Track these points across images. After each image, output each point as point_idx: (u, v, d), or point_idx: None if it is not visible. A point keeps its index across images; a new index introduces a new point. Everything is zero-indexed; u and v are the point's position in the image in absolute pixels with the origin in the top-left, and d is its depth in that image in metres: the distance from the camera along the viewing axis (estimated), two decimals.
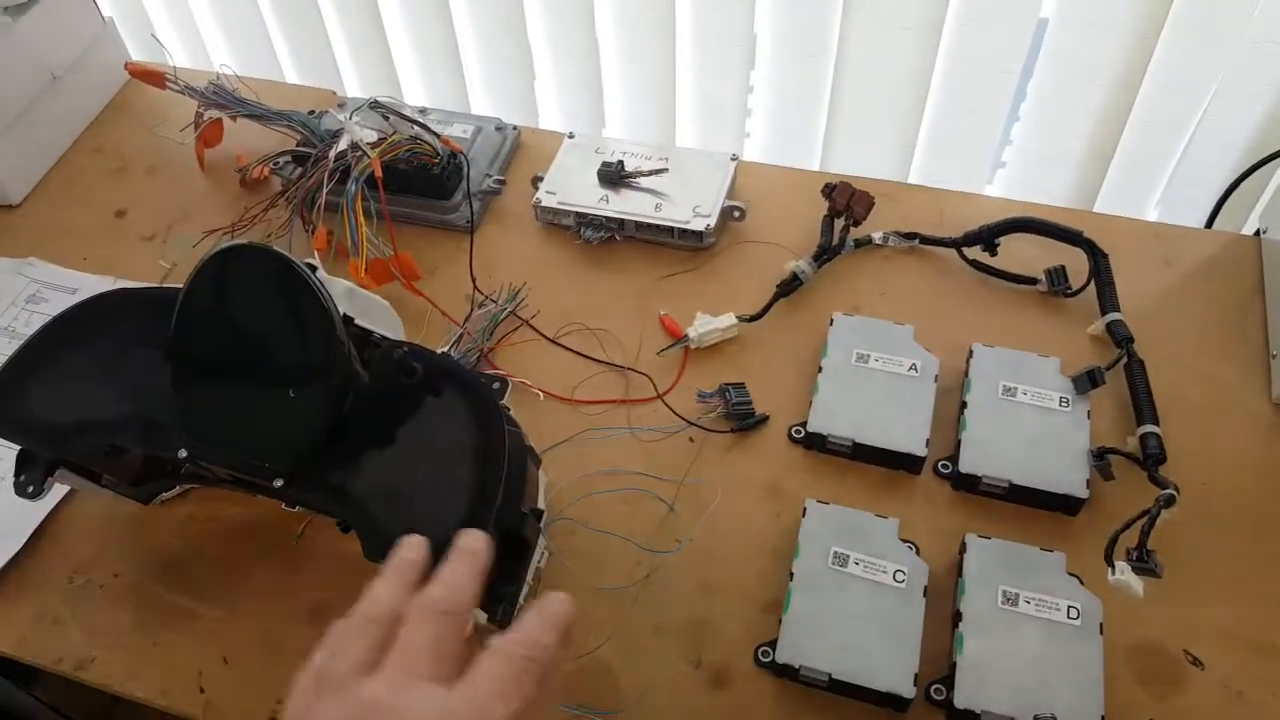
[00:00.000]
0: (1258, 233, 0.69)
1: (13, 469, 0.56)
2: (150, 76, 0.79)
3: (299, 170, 0.75)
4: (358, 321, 0.53)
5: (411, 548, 0.40)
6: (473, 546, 0.39)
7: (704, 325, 0.65)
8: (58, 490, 0.62)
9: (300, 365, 0.51)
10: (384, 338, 0.55)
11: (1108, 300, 0.63)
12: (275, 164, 0.78)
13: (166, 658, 0.55)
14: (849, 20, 0.85)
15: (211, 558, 0.60)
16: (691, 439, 0.61)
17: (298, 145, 0.75)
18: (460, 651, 0.36)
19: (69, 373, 0.55)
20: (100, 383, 0.55)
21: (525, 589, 0.50)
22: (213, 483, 0.60)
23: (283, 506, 0.58)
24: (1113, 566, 0.46)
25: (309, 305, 0.50)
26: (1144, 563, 0.46)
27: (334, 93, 0.88)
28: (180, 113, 0.83)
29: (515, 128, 0.80)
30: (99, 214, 0.81)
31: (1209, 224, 0.75)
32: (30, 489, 0.56)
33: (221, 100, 0.77)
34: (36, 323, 0.75)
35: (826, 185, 0.70)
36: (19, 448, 0.56)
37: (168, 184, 0.83)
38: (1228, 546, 0.54)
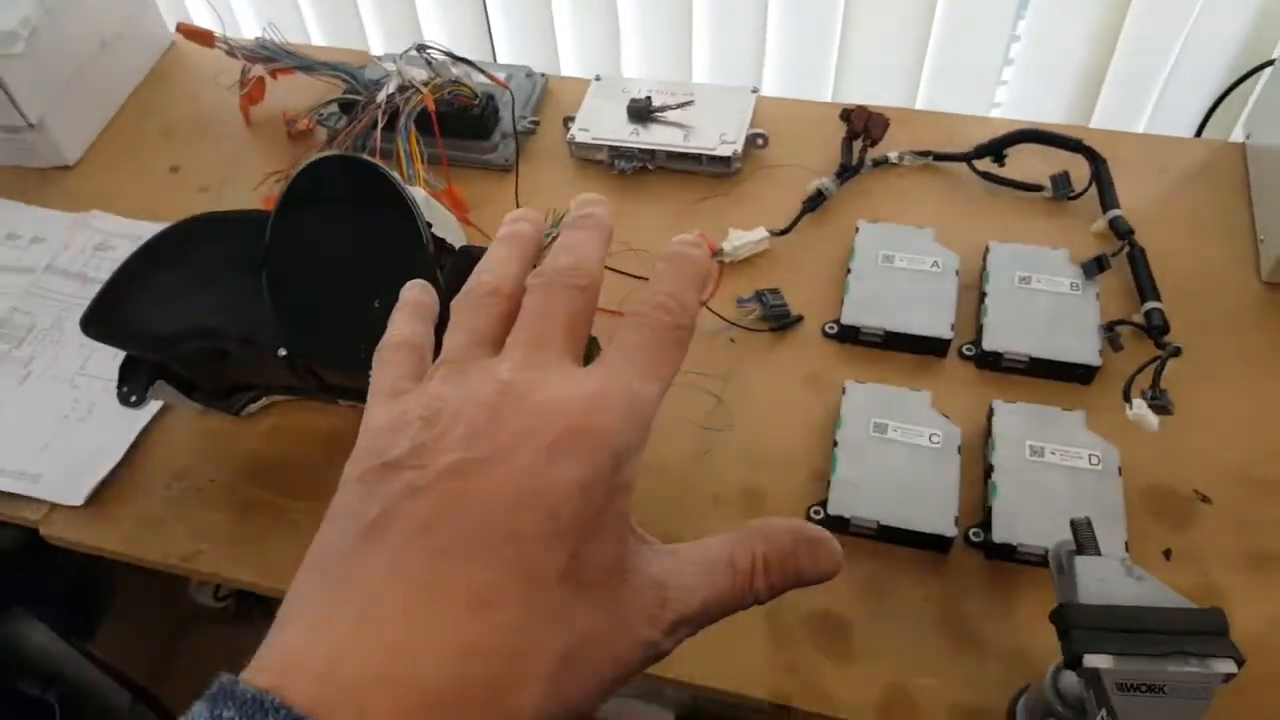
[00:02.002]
0: (1245, 141, 0.75)
1: (113, 382, 0.61)
2: (200, 36, 0.84)
3: (344, 119, 0.80)
4: (434, 229, 0.58)
5: (522, 218, 0.34)
6: (595, 213, 0.33)
7: (737, 239, 0.70)
8: (151, 407, 0.67)
9: (389, 269, 0.56)
10: (456, 244, 0.60)
11: (1108, 199, 0.69)
12: (320, 115, 0.83)
13: (265, 547, 0.60)
14: None
15: (298, 461, 0.64)
16: (733, 340, 0.67)
17: (344, 94, 0.80)
18: (589, 332, 0.30)
19: (167, 287, 0.60)
20: (198, 294, 0.60)
21: None
22: (299, 392, 0.65)
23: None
24: (1130, 403, 0.52)
25: (398, 211, 0.55)
26: (1157, 400, 0.51)
27: (366, 53, 0.93)
28: (219, 76, 0.88)
29: (543, 75, 0.85)
30: (153, 170, 0.85)
31: (1198, 134, 0.81)
32: (133, 398, 0.61)
33: (270, 54, 0.82)
34: (108, 267, 0.79)
35: (844, 110, 0.76)
36: (122, 362, 0.61)
37: (215, 141, 0.87)
38: (1226, 401, 0.60)
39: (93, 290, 0.64)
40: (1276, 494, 0.56)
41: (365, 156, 0.54)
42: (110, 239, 0.81)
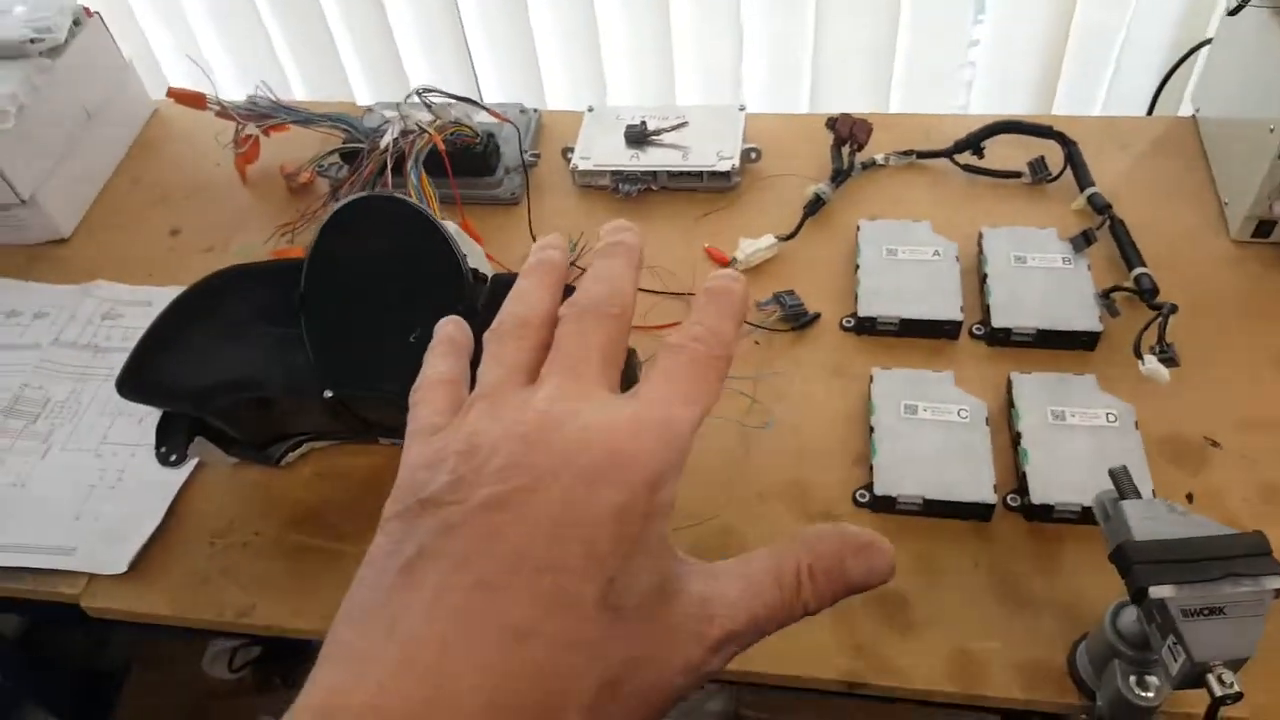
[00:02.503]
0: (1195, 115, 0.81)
1: (140, 447, 0.60)
2: (191, 99, 0.85)
3: (347, 168, 0.82)
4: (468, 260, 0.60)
5: (550, 246, 0.34)
6: (625, 240, 0.33)
7: (748, 247, 0.74)
8: (185, 469, 0.67)
9: (429, 303, 0.58)
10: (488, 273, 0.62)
11: (1084, 178, 0.74)
12: (320, 166, 0.85)
13: (322, 594, 0.61)
14: None
15: (343, 504, 0.65)
16: (757, 342, 0.70)
17: (345, 143, 0.82)
18: (624, 359, 0.31)
19: (200, 343, 0.60)
20: (232, 347, 0.60)
21: None
22: (339, 435, 0.67)
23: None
24: (1142, 359, 0.56)
25: (432, 245, 0.57)
26: (1165, 353, 0.56)
27: (354, 103, 0.95)
28: (208, 137, 0.89)
29: (536, 110, 0.88)
30: (152, 236, 0.86)
31: (1149, 111, 0.87)
32: (173, 457, 0.61)
33: (265, 111, 0.83)
34: (118, 337, 0.80)
35: (830, 118, 0.80)
36: (159, 421, 0.62)
37: (213, 203, 0.88)
38: (1218, 352, 0.64)
39: (106, 360, 0.65)
40: (1274, 430, 0.61)
41: (398, 194, 0.56)
42: (118, 306, 0.81)
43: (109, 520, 0.66)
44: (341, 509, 0.65)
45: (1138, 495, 0.47)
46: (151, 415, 0.62)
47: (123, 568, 0.63)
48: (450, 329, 0.35)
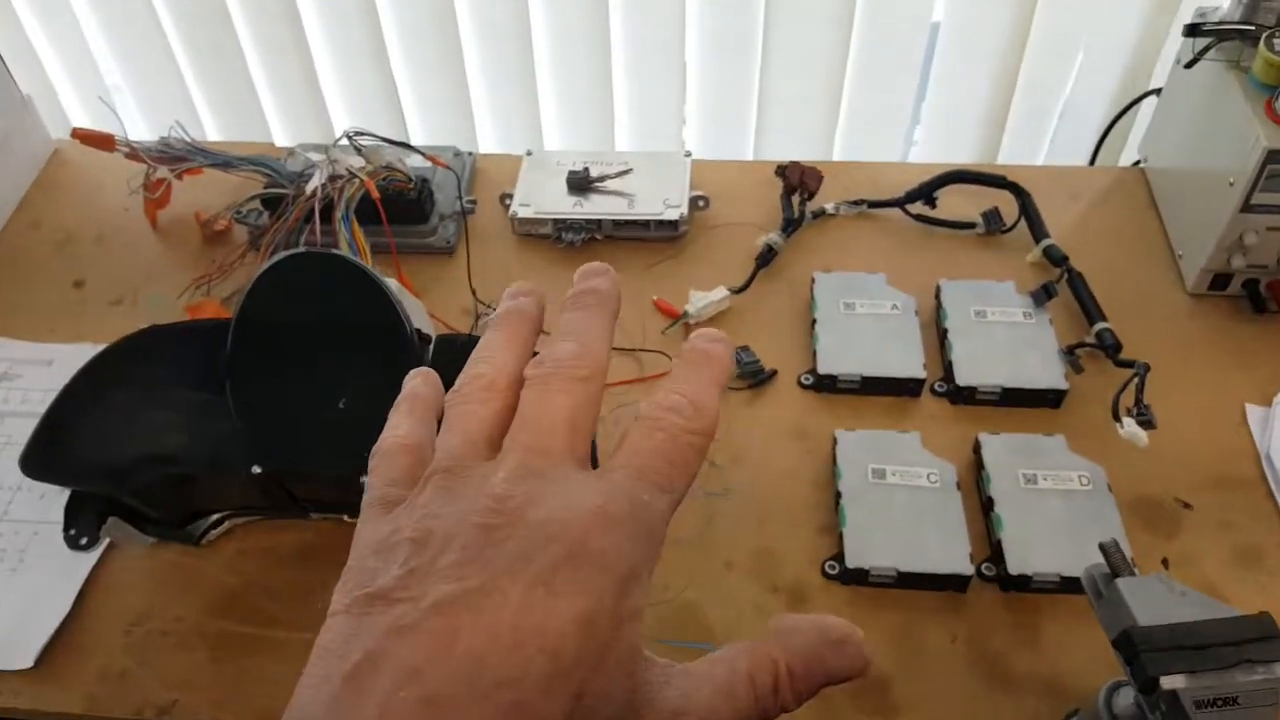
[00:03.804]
0: (1137, 163, 0.81)
1: (44, 525, 0.55)
2: (98, 140, 0.78)
3: (268, 215, 0.77)
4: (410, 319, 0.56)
5: (522, 293, 0.31)
6: (597, 287, 0.30)
7: (700, 301, 0.71)
8: (98, 547, 0.61)
9: (368, 367, 0.53)
10: (425, 332, 0.58)
11: (1039, 229, 0.73)
12: (239, 213, 0.79)
13: (253, 686, 0.55)
14: (771, 18, 0.94)
15: (272, 586, 0.60)
16: None
17: (266, 188, 0.77)
18: (594, 426, 0.27)
19: (115, 413, 0.55)
20: (150, 418, 0.55)
21: None
22: (266, 511, 0.61)
23: (346, 518, 0.59)
24: (1120, 422, 0.54)
25: (372, 305, 0.53)
26: (1143, 415, 0.54)
27: (272, 144, 0.89)
28: (115, 179, 0.83)
29: (470, 154, 0.84)
30: (52, 287, 0.79)
31: (1092, 161, 0.87)
32: (83, 540, 0.55)
33: (179, 153, 0.77)
34: (16, 400, 0.73)
35: (779, 166, 0.78)
36: (67, 501, 0.56)
37: (121, 250, 0.81)
38: (1181, 407, 0.63)
39: (2, 426, 0.58)
40: (1244, 489, 0.60)
41: (336, 250, 0.52)
42: (14, 366, 0.74)
43: (11, 609, 0.60)
44: (269, 591, 0.59)
45: (1130, 570, 0.44)
46: (56, 490, 0.55)
47: (29, 662, 0.57)
48: (417, 383, 0.32)
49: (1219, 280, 0.68)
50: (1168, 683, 0.39)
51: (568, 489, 0.25)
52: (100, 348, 0.73)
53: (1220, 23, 0.66)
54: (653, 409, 0.27)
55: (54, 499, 0.56)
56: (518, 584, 0.23)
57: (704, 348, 0.29)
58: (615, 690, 0.24)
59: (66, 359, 0.74)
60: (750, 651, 0.26)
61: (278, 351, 0.54)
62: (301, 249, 0.53)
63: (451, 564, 0.24)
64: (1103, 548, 0.45)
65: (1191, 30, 0.67)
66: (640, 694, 0.25)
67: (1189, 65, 0.66)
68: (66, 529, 0.55)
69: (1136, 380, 0.56)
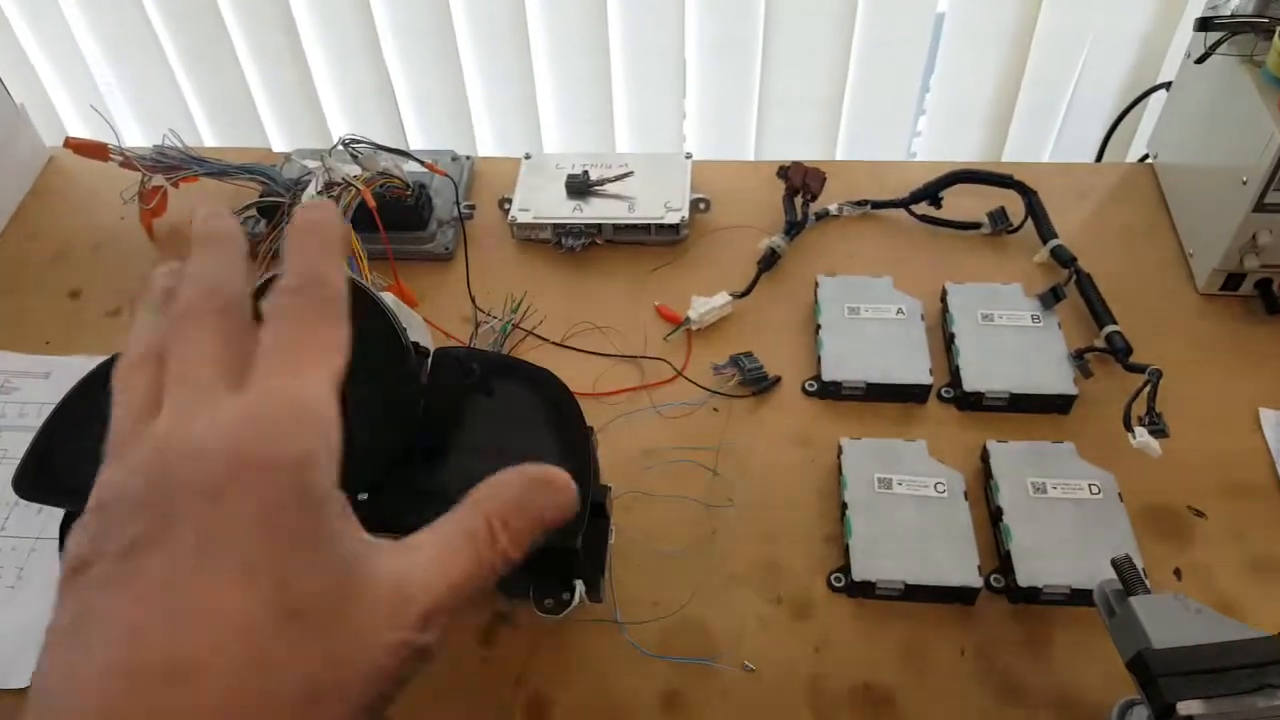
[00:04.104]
0: (1144, 158, 0.80)
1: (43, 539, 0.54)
2: (92, 149, 0.77)
3: (264, 222, 0.76)
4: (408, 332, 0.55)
5: (161, 275, 0.30)
6: (214, 226, 0.30)
7: (702, 306, 0.69)
8: None
9: (365, 383, 0.52)
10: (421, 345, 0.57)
11: (1046, 230, 0.72)
12: None
13: None
14: (772, 17, 0.93)
15: None
16: (716, 409, 0.65)
17: (262, 196, 0.76)
18: (250, 345, 0.27)
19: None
20: None
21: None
22: None
23: None
24: (1133, 432, 0.53)
25: (367, 321, 0.51)
26: (1156, 424, 0.53)
27: (269, 149, 0.88)
28: (111, 188, 0.82)
29: (469, 157, 0.83)
30: (49, 297, 0.78)
31: (1099, 157, 0.86)
32: None
33: (174, 162, 0.76)
34: (13, 413, 0.72)
35: (781, 167, 0.76)
36: (62, 521, 0.55)
37: (118, 260, 0.81)
38: (1194, 411, 0.62)
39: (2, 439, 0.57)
40: (1258, 497, 0.59)
41: None
42: (11, 379, 0.73)
43: (10, 625, 0.59)
44: None
45: (1144, 587, 0.43)
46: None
47: (27, 680, 0.55)
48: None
49: (1231, 280, 0.67)
50: (1185, 709, 0.38)
51: (215, 408, 0.26)
52: (98, 359, 0.73)
53: (1233, 16, 0.64)
54: (274, 296, 0.27)
55: (52, 515, 0.55)
56: (191, 512, 0.24)
57: (306, 220, 0.29)
58: (321, 572, 0.24)
59: (64, 371, 0.74)
60: (463, 511, 0.28)
61: None
62: None
63: (125, 515, 0.25)
64: (1115, 564, 0.44)
65: (1203, 24, 0.65)
66: (355, 568, 0.25)
67: (1200, 60, 0.65)
68: (61, 549, 0.54)
69: (1149, 388, 0.55)
